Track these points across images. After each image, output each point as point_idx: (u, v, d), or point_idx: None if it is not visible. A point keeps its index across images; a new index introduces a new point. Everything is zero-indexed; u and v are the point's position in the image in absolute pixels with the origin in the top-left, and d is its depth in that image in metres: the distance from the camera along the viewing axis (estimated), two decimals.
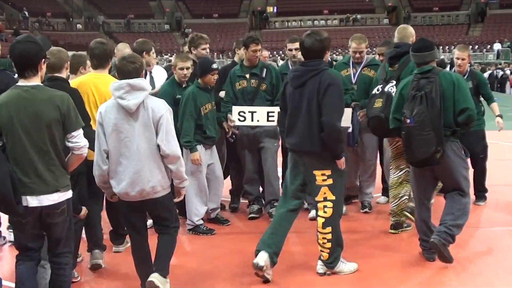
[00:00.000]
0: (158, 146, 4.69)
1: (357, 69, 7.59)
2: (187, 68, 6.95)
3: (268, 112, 7.26)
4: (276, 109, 7.15)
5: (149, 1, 57.44)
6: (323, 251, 5.55)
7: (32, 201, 4.14)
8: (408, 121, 5.51)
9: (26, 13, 50.56)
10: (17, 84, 4.28)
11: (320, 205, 5.50)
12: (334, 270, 5.58)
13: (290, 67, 7.53)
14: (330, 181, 5.43)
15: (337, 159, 5.36)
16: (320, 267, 5.62)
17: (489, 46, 46.18)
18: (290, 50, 7.66)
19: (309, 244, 6.14)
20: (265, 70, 7.44)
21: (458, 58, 7.77)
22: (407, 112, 5.55)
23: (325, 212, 5.48)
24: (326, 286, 5.45)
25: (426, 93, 5.50)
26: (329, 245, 5.50)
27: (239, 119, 7.27)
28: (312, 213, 7.26)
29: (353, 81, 7.55)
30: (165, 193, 4.84)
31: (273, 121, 7.21)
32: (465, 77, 7.51)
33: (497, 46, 41.31)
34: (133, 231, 4.98)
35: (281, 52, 35.00)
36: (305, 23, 53.19)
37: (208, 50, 7.81)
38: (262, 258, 5.37)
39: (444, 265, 5.69)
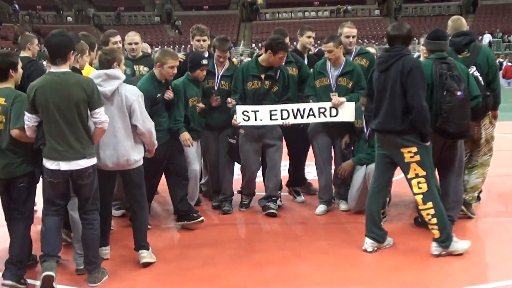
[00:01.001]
0: (134, 126, 5.58)
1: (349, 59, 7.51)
2: (176, 67, 6.65)
3: (270, 111, 7.17)
4: (279, 107, 7.18)
5: None
6: (432, 229, 5.78)
7: (64, 165, 5.06)
8: (459, 93, 5.84)
9: (17, 6, 50.29)
10: (50, 70, 5.21)
11: (413, 182, 5.80)
12: (448, 250, 5.77)
13: None
14: (417, 158, 5.73)
15: (424, 140, 5.72)
16: (434, 249, 5.81)
17: (480, 37, 46.14)
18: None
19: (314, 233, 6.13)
20: (278, 71, 7.30)
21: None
22: (455, 86, 5.86)
23: (420, 188, 5.77)
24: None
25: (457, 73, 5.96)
26: (434, 220, 5.74)
27: (243, 119, 7.14)
28: (342, 205, 7.51)
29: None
30: (137, 165, 5.71)
31: (276, 119, 7.18)
32: None
33: (487, 37, 41.33)
34: (102, 200, 5.54)
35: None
36: (296, 14, 53.09)
37: (202, 43, 7.68)
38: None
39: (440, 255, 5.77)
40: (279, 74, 7.28)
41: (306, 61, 7.88)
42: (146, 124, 5.64)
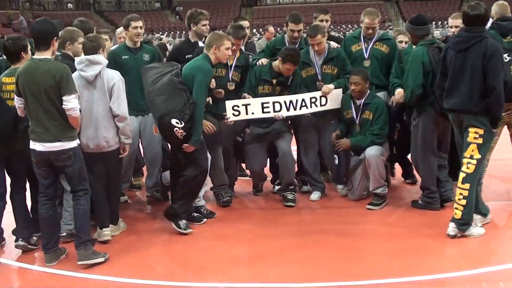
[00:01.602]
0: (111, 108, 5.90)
1: (369, 44, 7.46)
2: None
3: (262, 103, 7.05)
4: (271, 99, 7.05)
5: None
6: (457, 208, 5.89)
7: (39, 147, 5.39)
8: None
9: None
10: (33, 56, 5.55)
11: (465, 160, 5.88)
12: (464, 234, 5.89)
13: (287, 44, 7.44)
14: (480, 140, 5.80)
15: (494, 124, 5.82)
16: (451, 229, 5.92)
17: None
18: (293, 31, 7.43)
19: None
20: (290, 77, 7.19)
21: (451, 27, 7.47)
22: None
23: (467, 168, 5.86)
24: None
25: None
26: (463, 202, 5.83)
27: (233, 114, 6.99)
28: (340, 191, 7.55)
29: (366, 56, 7.43)
30: (116, 147, 6.09)
31: (268, 112, 7.06)
32: None
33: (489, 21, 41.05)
34: (92, 175, 5.90)
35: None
36: None
37: (208, 27, 7.59)
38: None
39: (441, 239, 5.87)
40: (290, 80, 7.19)
41: None
42: (121, 106, 5.94)
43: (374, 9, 7.77)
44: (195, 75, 6.20)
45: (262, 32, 21.43)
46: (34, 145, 5.42)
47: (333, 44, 7.42)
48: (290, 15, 7.54)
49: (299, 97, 7.12)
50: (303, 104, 7.12)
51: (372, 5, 50.76)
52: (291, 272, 5.40)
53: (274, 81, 7.17)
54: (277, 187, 7.65)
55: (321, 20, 7.57)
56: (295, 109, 7.11)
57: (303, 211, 7.17)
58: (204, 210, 6.92)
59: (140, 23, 7.31)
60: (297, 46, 7.40)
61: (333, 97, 7.20)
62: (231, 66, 7.16)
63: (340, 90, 7.19)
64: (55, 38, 5.55)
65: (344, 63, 7.29)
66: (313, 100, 7.15)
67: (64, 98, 5.32)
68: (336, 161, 7.29)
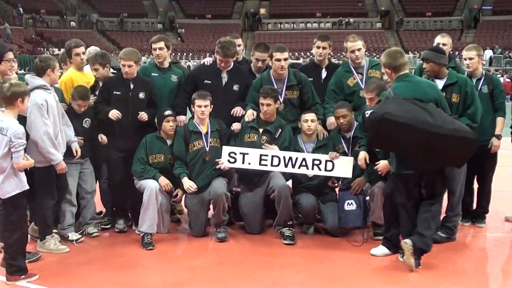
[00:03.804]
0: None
1: (363, 74, 7.30)
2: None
3: (261, 155, 6.90)
4: (270, 152, 6.90)
5: (143, 0, 57.36)
6: None
7: None
8: None
9: (21, 9, 50.38)
10: None
11: None
12: None
13: (273, 80, 7.23)
14: None
15: None
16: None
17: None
18: (278, 60, 7.10)
19: None
20: (280, 130, 7.07)
21: (465, 59, 7.20)
22: None
23: None
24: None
25: None
26: None
27: (229, 160, 6.88)
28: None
29: (362, 86, 7.09)
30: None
31: (266, 165, 6.89)
32: (481, 80, 7.10)
33: (488, 52, 41.43)
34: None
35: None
36: (298, 25, 53.32)
37: (238, 50, 7.52)
38: None
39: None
40: (280, 133, 7.07)
41: (325, 74, 7.56)
42: (32, 131, 6.09)
43: (354, 34, 7.65)
44: None
45: None
46: None
47: (321, 133, 7.25)
48: (276, 46, 7.25)
49: (299, 155, 6.93)
50: (303, 163, 6.89)
51: (373, 33, 51.43)
52: None
53: (261, 130, 7.07)
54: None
55: (321, 47, 7.47)
56: (293, 167, 6.89)
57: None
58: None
59: (158, 45, 7.38)
60: (285, 83, 7.24)
61: (342, 164, 6.87)
62: (206, 134, 7.01)
63: (351, 159, 6.86)
64: None
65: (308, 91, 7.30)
66: (317, 162, 6.89)
67: None
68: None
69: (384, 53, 6.24)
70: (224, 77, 7.30)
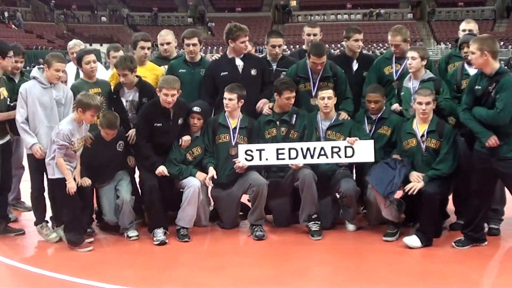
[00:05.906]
0: None
1: (401, 65, 7.12)
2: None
3: (277, 149, 6.77)
4: (287, 145, 6.78)
5: None
6: None
7: None
8: None
9: (52, 5, 50.98)
10: None
11: None
12: None
13: (309, 71, 7.17)
14: None
15: None
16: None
17: None
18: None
19: None
20: (294, 116, 6.98)
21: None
22: None
23: None
24: None
25: None
26: None
27: (246, 159, 6.78)
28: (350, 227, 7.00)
29: (395, 78, 7.10)
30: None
31: (283, 159, 6.77)
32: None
33: None
34: None
35: (303, 46, 34.28)
36: (328, 17, 52.97)
37: (247, 44, 7.40)
38: None
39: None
40: (295, 118, 6.98)
41: (356, 66, 7.51)
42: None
43: (400, 26, 7.34)
44: None
45: (293, 48, 21.56)
46: None
47: (343, 114, 7.07)
48: (312, 46, 7.18)
49: (317, 144, 6.80)
50: (322, 152, 6.76)
51: (404, 24, 50.63)
52: None
53: (278, 122, 6.99)
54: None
55: (356, 40, 7.40)
56: (312, 157, 6.75)
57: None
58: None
59: (192, 40, 7.36)
60: (320, 74, 7.15)
61: (362, 149, 6.72)
62: (234, 129, 6.99)
63: (371, 142, 6.73)
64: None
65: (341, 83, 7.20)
66: (336, 149, 6.75)
67: None
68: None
69: (478, 37, 6.04)
70: (240, 65, 7.30)
